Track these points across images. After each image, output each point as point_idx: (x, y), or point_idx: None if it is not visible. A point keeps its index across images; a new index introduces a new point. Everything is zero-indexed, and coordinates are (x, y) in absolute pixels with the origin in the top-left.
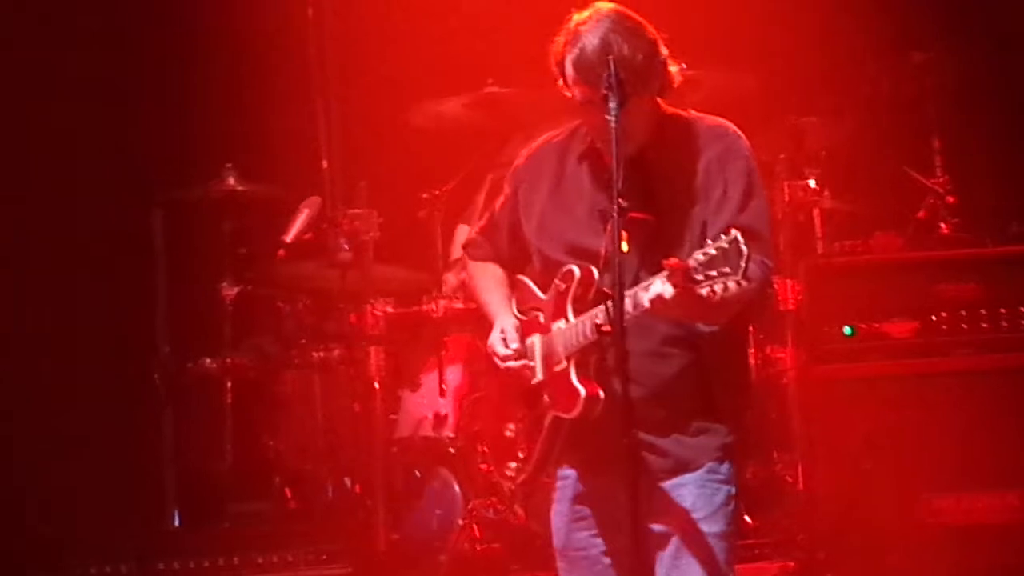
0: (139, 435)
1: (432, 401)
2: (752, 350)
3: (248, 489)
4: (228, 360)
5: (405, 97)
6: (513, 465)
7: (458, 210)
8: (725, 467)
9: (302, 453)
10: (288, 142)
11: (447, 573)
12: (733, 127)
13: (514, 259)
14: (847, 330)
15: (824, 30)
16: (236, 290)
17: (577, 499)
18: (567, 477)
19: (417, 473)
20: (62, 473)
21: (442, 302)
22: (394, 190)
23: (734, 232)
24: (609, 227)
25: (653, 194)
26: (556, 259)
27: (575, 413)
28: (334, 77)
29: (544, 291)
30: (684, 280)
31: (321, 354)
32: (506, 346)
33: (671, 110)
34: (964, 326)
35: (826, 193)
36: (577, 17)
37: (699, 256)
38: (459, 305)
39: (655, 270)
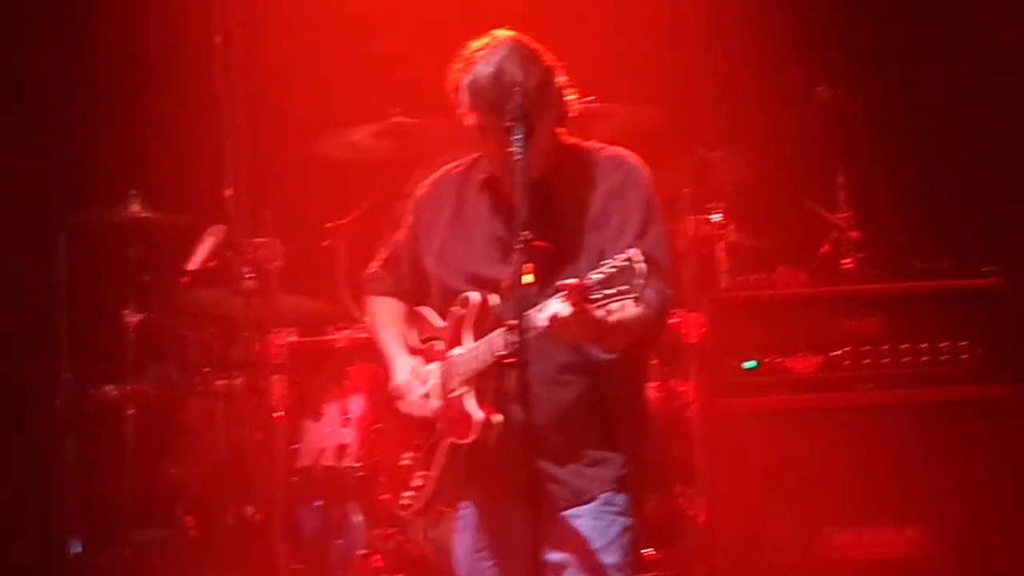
0: (41, 461)
1: (334, 431)
2: (655, 383)
3: (150, 516)
4: (131, 387)
5: (311, 126)
6: (409, 494)
7: (363, 240)
8: (621, 499)
9: (204, 481)
10: (193, 169)
11: None
12: (633, 157)
13: (416, 291)
14: (750, 364)
15: (731, 64)
16: (140, 317)
17: (479, 529)
18: (469, 507)
19: (319, 502)
20: None
21: (345, 332)
22: (299, 219)
23: (631, 251)
24: (511, 258)
25: (553, 222)
26: (456, 288)
27: (470, 438)
28: (240, 105)
29: (443, 321)
30: (580, 299)
31: (224, 382)
32: (415, 390)
33: (571, 140)
34: (866, 361)
35: (731, 227)
36: (474, 44)
37: (595, 275)
38: (363, 335)
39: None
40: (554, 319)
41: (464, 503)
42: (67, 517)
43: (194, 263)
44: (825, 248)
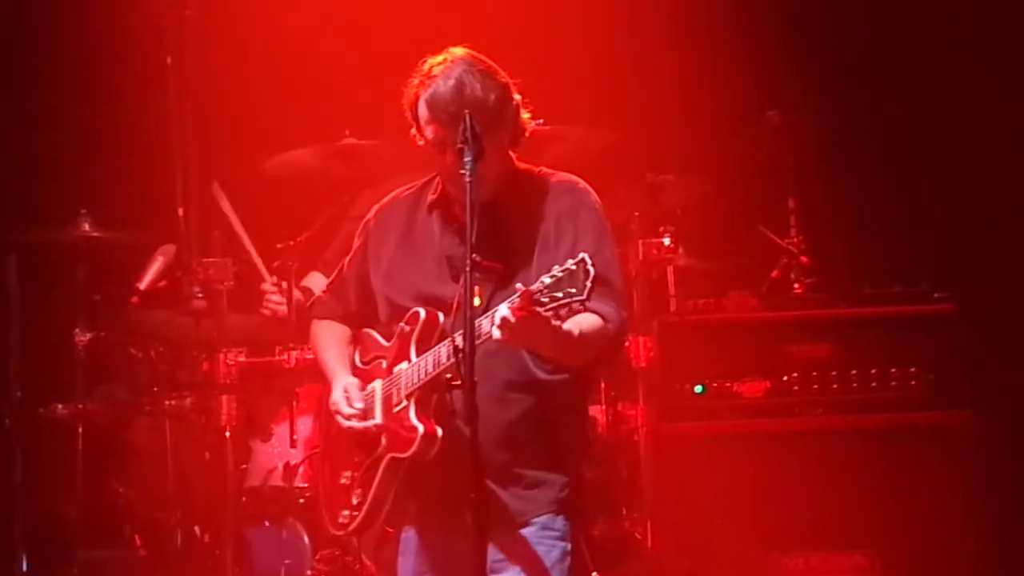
0: None
1: (283, 451)
2: (604, 406)
3: (98, 536)
4: (80, 406)
5: (262, 147)
6: (346, 512)
7: (312, 261)
8: (561, 522)
9: (153, 501)
10: (144, 189)
11: None
12: (583, 182)
13: (362, 314)
14: (698, 388)
15: (682, 88)
16: (89, 336)
17: (420, 552)
18: (411, 530)
19: (267, 523)
20: None
21: (294, 352)
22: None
23: (582, 255)
24: (461, 277)
25: (503, 243)
26: (404, 306)
27: (411, 451)
28: (191, 125)
29: (389, 340)
30: (529, 302)
31: (173, 402)
32: (350, 405)
33: (523, 165)
34: (815, 386)
35: (681, 251)
36: (431, 60)
37: (545, 279)
38: (311, 355)
39: None
40: (504, 322)
41: (406, 527)
42: (15, 535)
43: (144, 283)
44: (775, 273)
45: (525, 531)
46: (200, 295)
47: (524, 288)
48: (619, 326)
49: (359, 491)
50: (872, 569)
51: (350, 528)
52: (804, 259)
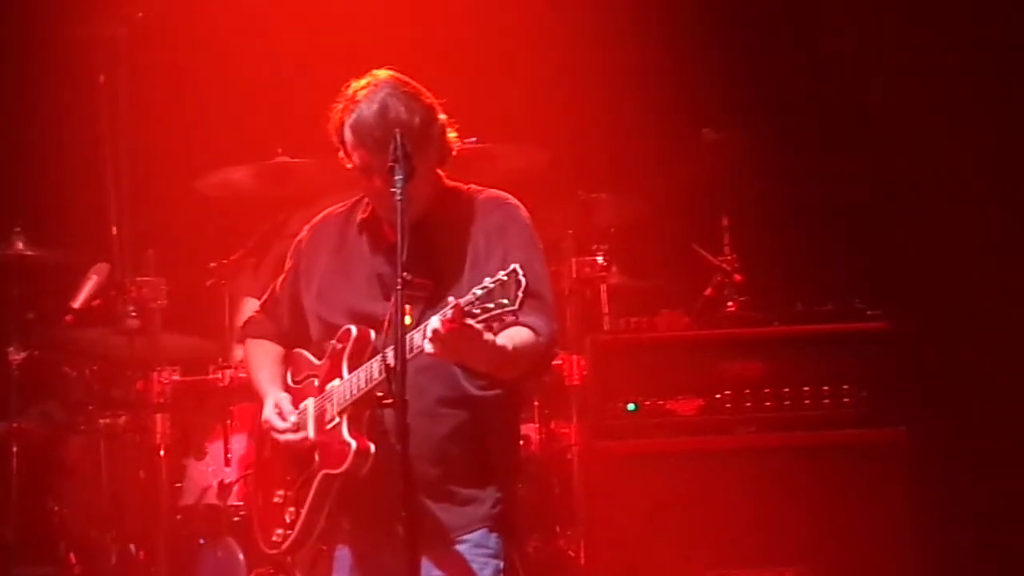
0: None
1: (217, 469)
2: (537, 424)
3: (33, 553)
4: (14, 424)
5: (195, 165)
6: (280, 531)
7: (245, 279)
8: (494, 539)
9: (87, 519)
10: (78, 208)
11: None
12: (512, 198)
13: (294, 333)
14: (631, 406)
15: (615, 106)
16: (23, 355)
17: (355, 567)
18: (344, 548)
19: (201, 541)
20: None
21: (228, 371)
22: (183, 258)
23: (513, 265)
24: (392, 299)
25: (434, 260)
26: (336, 324)
27: (344, 468)
28: (125, 143)
29: (320, 359)
30: (460, 314)
31: (107, 420)
32: (283, 419)
33: (451, 183)
34: (748, 404)
35: (614, 269)
36: (355, 84)
37: (477, 291)
38: (245, 374)
39: None
40: (435, 335)
41: (340, 544)
42: None
43: (78, 301)
44: (708, 291)
45: (459, 548)
46: (134, 314)
47: (456, 301)
48: (549, 339)
49: (292, 509)
50: None
51: (284, 547)
52: (738, 277)
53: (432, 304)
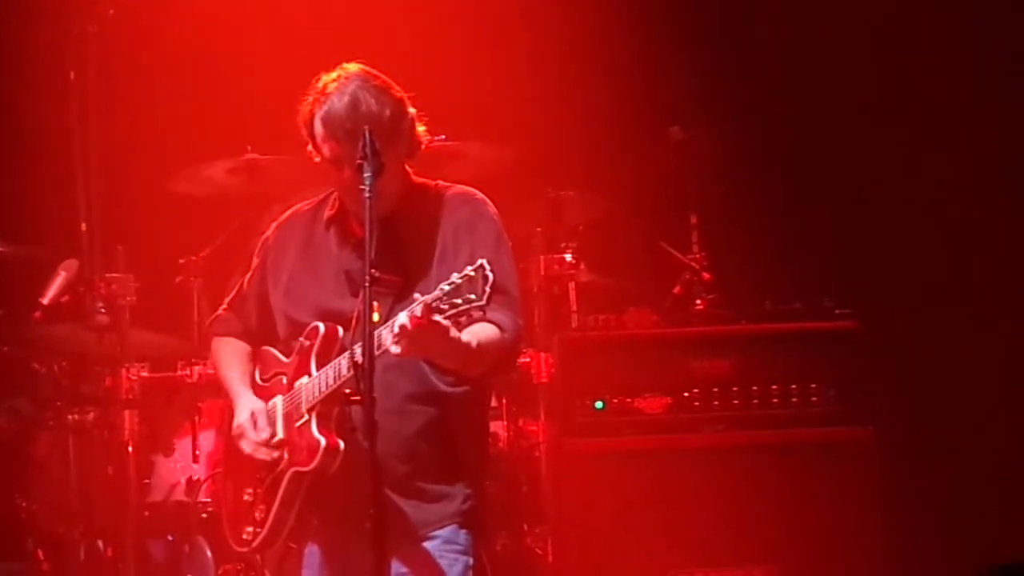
0: None
1: (186, 466)
2: (505, 422)
3: (0, 549)
4: None
5: (165, 161)
6: (250, 529)
7: (215, 276)
8: (463, 536)
9: (55, 515)
10: (47, 204)
11: None
12: (480, 194)
13: (262, 331)
14: (598, 404)
15: (584, 104)
16: None
17: (324, 565)
18: (313, 547)
19: (169, 537)
20: None
21: (197, 368)
22: (152, 255)
23: (481, 261)
24: (360, 295)
25: (402, 256)
26: (303, 322)
27: (313, 465)
28: (95, 139)
29: (288, 357)
30: (427, 310)
31: (76, 416)
32: (256, 431)
33: (419, 179)
34: (716, 403)
35: (582, 267)
36: (325, 77)
37: (444, 286)
38: (214, 371)
39: None
40: (402, 331)
41: (309, 542)
42: None
43: (47, 297)
44: (677, 289)
45: (428, 544)
46: (103, 310)
47: (423, 299)
48: (515, 335)
49: (262, 507)
50: None
51: (253, 545)
52: (706, 275)
53: (400, 300)
